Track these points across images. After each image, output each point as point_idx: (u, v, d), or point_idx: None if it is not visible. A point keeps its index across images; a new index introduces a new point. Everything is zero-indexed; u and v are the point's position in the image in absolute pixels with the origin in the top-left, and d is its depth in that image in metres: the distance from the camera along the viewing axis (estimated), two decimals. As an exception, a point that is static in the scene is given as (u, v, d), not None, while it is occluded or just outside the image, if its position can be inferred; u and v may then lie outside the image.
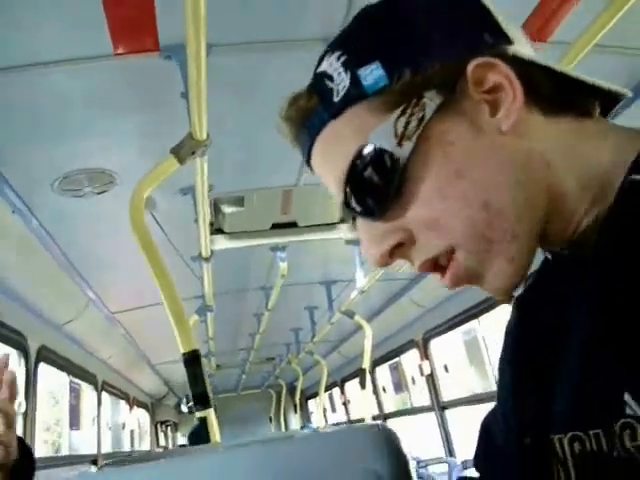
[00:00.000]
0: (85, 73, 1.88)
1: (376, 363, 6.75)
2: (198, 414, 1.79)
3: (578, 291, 0.62)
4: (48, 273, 3.33)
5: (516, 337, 0.77)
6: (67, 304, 3.90)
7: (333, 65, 0.66)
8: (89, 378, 5.10)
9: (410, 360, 6.11)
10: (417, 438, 6.56)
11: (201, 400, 1.81)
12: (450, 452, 5.25)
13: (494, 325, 4.41)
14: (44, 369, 3.78)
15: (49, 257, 3.12)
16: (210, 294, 3.71)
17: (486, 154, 0.63)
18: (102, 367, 5.47)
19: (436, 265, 0.66)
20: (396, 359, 6.52)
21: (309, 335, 6.30)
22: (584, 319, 0.60)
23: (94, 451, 5.22)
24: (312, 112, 0.67)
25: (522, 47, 0.65)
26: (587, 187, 0.62)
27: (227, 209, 3.11)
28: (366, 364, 5.53)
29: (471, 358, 4.96)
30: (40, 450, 4.48)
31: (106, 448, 5.75)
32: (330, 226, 3.39)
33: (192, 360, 1.85)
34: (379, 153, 0.63)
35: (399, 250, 0.66)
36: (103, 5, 1.57)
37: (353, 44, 0.67)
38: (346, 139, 0.65)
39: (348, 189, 0.66)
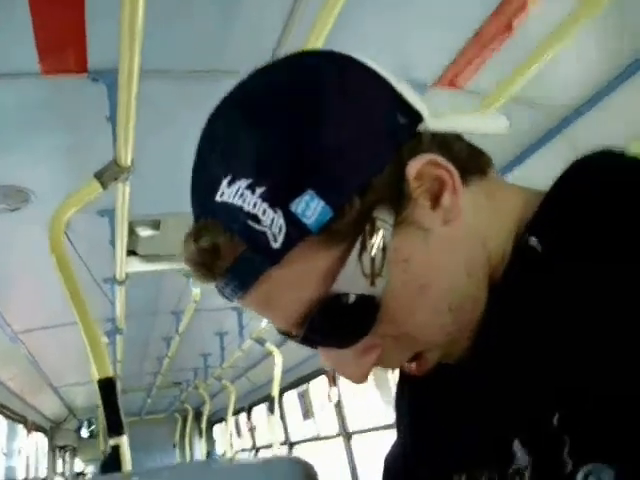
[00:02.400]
0: (7, 89, 1.84)
1: (284, 389, 6.75)
2: (111, 442, 1.76)
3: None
4: (-50, 290, 3.20)
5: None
6: (-32, 322, 3.74)
7: (248, 199, 0.54)
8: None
9: (318, 387, 6.14)
10: (325, 466, 6.57)
11: (114, 427, 1.78)
12: (355, 480, 5.30)
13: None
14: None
15: (-47, 273, 3.00)
16: (122, 317, 3.65)
17: (439, 258, 0.59)
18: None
19: None
20: (304, 386, 6.54)
21: (218, 360, 6.24)
22: (482, 367, 0.63)
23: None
24: (241, 259, 0.56)
25: (426, 113, 0.60)
26: (505, 248, 0.63)
27: (142, 232, 3.08)
28: (275, 391, 5.52)
29: (378, 385, 5.04)
30: None
31: None
32: (246, 253, 3.38)
33: (107, 387, 1.82)
34: (352, 298, 0.56)
35: (374, 363, 0.62)
36: (32, 23, 1.56)
37: (266, 170, 0.55)
38: (292, 284, 0.57)
39: (311, 330, 0.59)
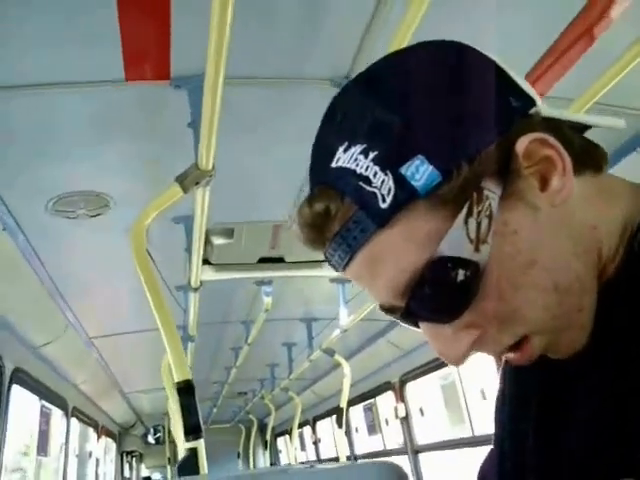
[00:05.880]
0: (91, 96, 1.89)
1: (350, 403, 6.71)
2: (189, 445, 1.77)
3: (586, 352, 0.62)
4: (31, 293, 3.29)
5: (514, 377, 0.77)
6: (46, 326, 3.85)
7: (361, 163, 0.58)
8: (60, 403, 5.01)
9: (385, 402, 6.08)
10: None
11: (193, 431, 1.79)
12: (422, 498, 5.20)
13: (471, 371, 4.42)
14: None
15: (34, 277, 3.08)
16: (194, 324, 3.69)
17: (548, 236, 0.60)
18: (73, 392, 5.37)
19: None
20: (371, 400, 6.48)
21: (285, 372, 6.26)
22: (601, 372, 0.61)
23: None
24: (351, 221, 0.59)
25: (540, 103, 0.62)
26: (616, 242, 0.62)
27: (216, 240, 3.11)
28: (343, 403, 5.49)
29: (447, 403, 4.96)
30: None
31: (71, 477, 5.62)
32: (316, 263, 3.38)
33: (186, 390, 1.84)
34: (457, 263, 0.57)
35: (473, 344, 0.62)
36: (120, 32, 1.59)
37: (380, 136, 0.59)
38: (398, 247, 0.58)
39: (414, 300, 0.60)
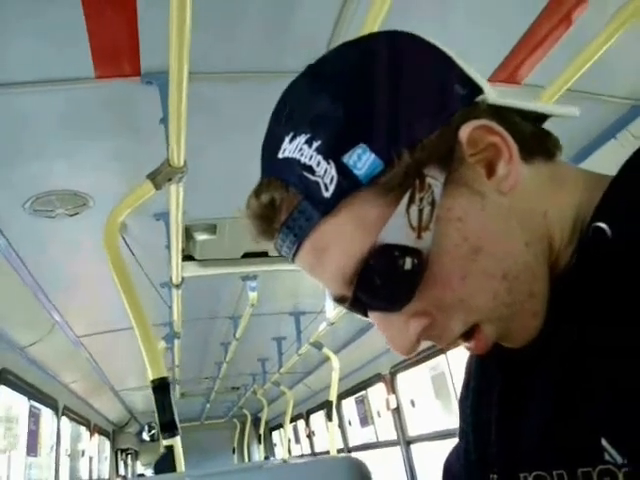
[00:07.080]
0: (63, 95, 1.87)
1: (342, 396, 6.72)
2: (165, 442, 1.76)
3: (550, 330, 0.62)
4: (15, 294, 3.27)
5: (478, 369, 0.78)
6: (32, 326, 3.83)
7: (305, 152, 0.58)
8: (49, 403, 4.99)
9: (376, 394, 6.09)
10: (383, 473, 6.52)
11: (168, 428, 1.78)
12: (414, 488, 5.22)
13: (461, 360, 4.42)
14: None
15: (17, 278, 3.07)
16: (179, 321, 3.68)
17: (495, 223, 0.59)
18: (64, 392, 5.36)
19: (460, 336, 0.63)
20: (362, 392, 6.49)
21: (276, 366, 6.26)
22: (556, 359, 0.60)
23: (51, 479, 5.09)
24: (296, 211, 0.59)
25: (490, 91, 0.63)
26: (569, 230, 0.62)
27: (199, 236, 3.10)
28: (333, 396, 5.50)
29: (437, 393, 4.96)
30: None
31: (64, 476, 5.61)
32: (301, 257, 3.37)
33: (161, 387, 1.83)
34: (399, 250, 0.57)
35: (422, 332, 0.61)
36: (87, 29, 1.58)
37: (323, 126, 0.59)
38: (343, 235, 0.59)
39: (360, 288, 0.60)
